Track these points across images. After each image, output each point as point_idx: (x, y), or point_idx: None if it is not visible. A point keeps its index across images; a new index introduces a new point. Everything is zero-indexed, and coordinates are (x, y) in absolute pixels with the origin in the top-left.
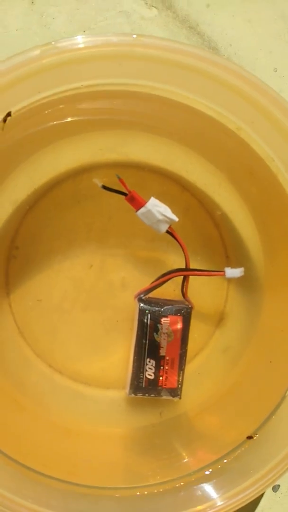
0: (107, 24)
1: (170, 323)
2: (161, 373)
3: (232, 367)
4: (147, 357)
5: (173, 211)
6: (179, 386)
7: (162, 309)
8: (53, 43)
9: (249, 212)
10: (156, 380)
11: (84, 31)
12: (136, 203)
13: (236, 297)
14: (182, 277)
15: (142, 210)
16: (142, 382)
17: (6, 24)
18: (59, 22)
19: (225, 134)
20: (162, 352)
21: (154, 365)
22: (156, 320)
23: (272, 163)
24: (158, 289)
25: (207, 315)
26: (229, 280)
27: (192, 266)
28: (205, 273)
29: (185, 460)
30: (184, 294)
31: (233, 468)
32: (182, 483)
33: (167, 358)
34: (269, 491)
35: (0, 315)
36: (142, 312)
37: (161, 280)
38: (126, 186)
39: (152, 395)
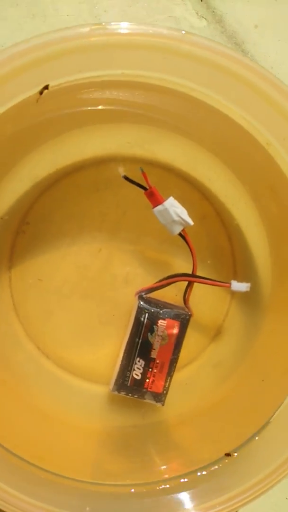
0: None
1: (166, 326)
2: (148, 375)
3: (221, 383)
4: (137, 356)
5: (190, 216)
6: (164, 392)
7: (161, 311)
8: (103, 23)
9: (264, 230)
10: (142, 381)
11: None
12: (155, 199)
13: (237, 313)
14: (186, 283)
15: (159, 207)
16: (128, 381)
17: (58, 7)
18: (110, 15)
19: (254, 147)
20: (154, 354)
21: (143, 365)
22: (153, 320)
23: None
24: (160, 291)
25: (204, 326)
26: (233, 294)
27: (198, 274)
28: (211, 282)
29: (158, 467)
30: (185, 300)
31: (207, 482)
32: (149, 489)
33: (158, 361)
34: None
35: None
36: (140, 310)
37: (165, 282)
38: (147, 180)
39: (136, 396)
